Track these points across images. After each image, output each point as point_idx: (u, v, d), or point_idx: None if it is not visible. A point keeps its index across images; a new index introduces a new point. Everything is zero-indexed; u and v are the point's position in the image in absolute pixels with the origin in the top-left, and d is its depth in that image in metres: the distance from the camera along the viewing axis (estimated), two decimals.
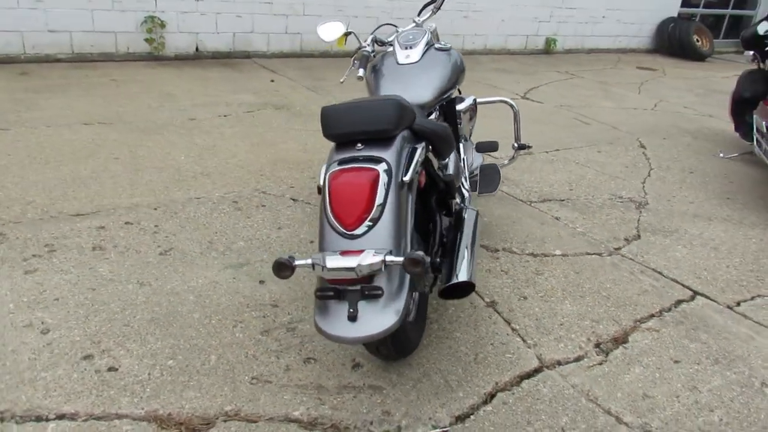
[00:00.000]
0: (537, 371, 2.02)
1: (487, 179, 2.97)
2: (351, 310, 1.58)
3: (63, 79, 5.25)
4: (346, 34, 2.65)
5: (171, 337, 2.06)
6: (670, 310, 2.45)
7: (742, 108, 4.58)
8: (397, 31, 2.77)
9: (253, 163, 3.74)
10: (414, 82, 2.48)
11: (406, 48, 2.61)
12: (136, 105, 4.70)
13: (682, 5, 10.18)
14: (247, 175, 3.55)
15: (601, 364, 2.09)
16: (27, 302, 2.18)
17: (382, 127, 1.75)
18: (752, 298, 2.58)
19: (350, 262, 1.53)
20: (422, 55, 2.58)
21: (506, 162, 3.26)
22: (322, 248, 1.67)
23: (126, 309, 2.20)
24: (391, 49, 2.63)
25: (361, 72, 2.47)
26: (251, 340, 2.09)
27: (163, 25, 6.11)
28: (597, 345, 2.19)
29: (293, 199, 3.27)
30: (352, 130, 1.76)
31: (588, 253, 2.89)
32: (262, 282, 2.46)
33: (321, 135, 1.84)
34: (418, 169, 1.81)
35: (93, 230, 2.77)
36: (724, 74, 8.46)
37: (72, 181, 3.23)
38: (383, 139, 1.77)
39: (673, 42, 9.60)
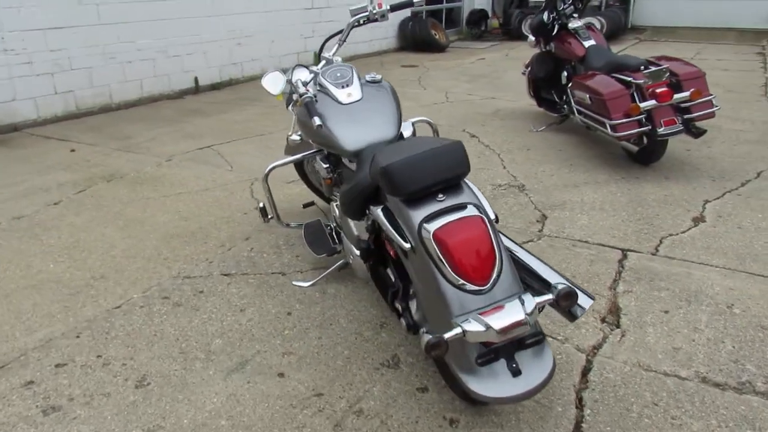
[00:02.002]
0: (590, 362, 2.22)
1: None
2: (514, 365, 1.54)
3: None
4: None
5: None
6: (621, 271, 2.87)
7: (539, 87, 5.42)
8: (312, 71, 2.67)
9: (141, 248, 3.22)
10: (373, 120, 2.45)
11: (342, 87, 2.54)
12: None
13: None
14: (149, 263, 3.05)
15: (623, 335, 2.38)
16: None
17: (461, 171, 1.73)
18: (661, 241, 3.16)
19: (516, 316, 1.50)
20: (362, 91, 2.54)
21: None
22: (448, 314, 1.58)
23: None
24: (314, 90, 2.52)
25: (317, 120, 2.32)
26: None
27: None
28: (603, 320, 2.48)
29: (226, 275, 2.93)
30: (432, 181, 1.70)
31: (524, 242, 3.19)
32: (281, 375, 2.20)
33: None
34: None
35: (24, 391, 2.13)
36: (470, 60, 9.79)
37: None
38: (455, 184, 1.75)
39: (416, 38, 10.75)
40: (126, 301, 2.71)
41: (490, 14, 13.41)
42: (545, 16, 5.05)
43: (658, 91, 3.94)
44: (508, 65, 9.15)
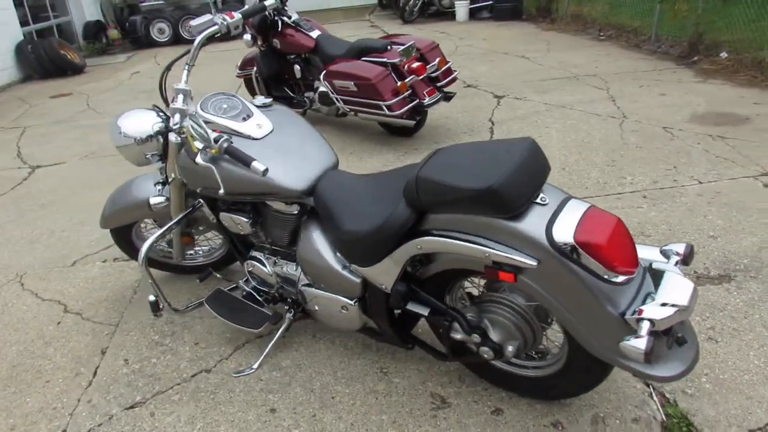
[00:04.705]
0: None
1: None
2: (679, 335, 1.54)
3: None
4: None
5: None
6: None
7: (272, 84, 5.25)
8: (178, 110, 2.09)
9: None
10: (305, 148, 2.10)
11: (244, 119, 2.07)
12: None
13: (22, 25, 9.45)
14: None
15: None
16: None
17: (549, 167, 1.64)
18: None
19: (687, 284, 1.52)
20: (270, 120, 2.12)
21: None
22: (614, 314, 1.48)
23: None
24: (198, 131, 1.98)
25: (260, 165, 1.83)
26: None
27: None
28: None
29: (131, 407, 2.12)
30: (536, 188, 1.58)
31: None
32: None
33: None
34: None
35: None
36: (126, 76, 8.68)
37: None
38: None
39: (43, 63, 8.94)
40: None
41: (107, 26, 12.10)
42: (269, 13, 4.89)
43: (414, 66, 4.31)
44: (177, 73, 8.49)
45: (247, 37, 5.16)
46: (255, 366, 2.25)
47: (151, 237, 2.24)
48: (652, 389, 2.00)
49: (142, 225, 2.82)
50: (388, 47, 4.37)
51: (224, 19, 2.30)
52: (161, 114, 2.30)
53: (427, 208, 1.68)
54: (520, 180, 1.53)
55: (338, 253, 1.96)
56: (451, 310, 1.85)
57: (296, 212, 2.10)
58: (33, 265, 3.26)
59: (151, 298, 2.22)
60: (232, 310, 2.33)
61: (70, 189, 4.37)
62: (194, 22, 2.31)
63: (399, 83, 4.20)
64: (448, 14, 11.37)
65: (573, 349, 1.74)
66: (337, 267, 1.97)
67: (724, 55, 6.15)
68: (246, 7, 2.41)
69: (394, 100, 4.19)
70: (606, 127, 4.56)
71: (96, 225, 3.67)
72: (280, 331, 2.31)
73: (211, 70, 8.38)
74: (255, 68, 5.24)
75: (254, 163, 1.83)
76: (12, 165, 5.04)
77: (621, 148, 4.14)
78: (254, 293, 2.37)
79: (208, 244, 2.92)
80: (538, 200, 1.58)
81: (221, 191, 1.91)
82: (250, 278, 2.37)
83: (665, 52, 6.93)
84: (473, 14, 11.05)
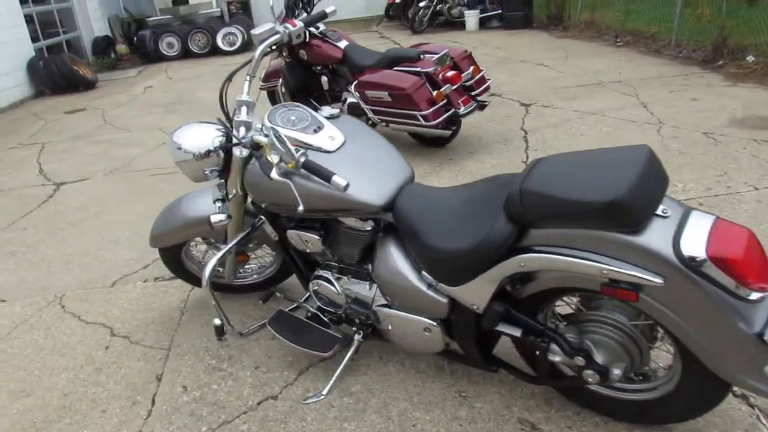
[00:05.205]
0: None
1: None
2: None
3: None
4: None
5: None
6: None
7: (298, 96, 5.16)
8: (245, 122, 1.99)
9: None
10: (382, 160, 1.99)
11: (315, 131, 1.97)
12: None
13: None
14: None
15: None
16: None
17: (667, 176, 1.53)
18: None
19: None
20: (341, 131, 2.03)
21: None
22: (750, 332, 1.38)
23: None
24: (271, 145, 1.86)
25: (341, 180, 1.73)
26: None
27: None
28: None
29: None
30: (657, 200, 1.48)
31: None
32: None
33: None
34: None
35: None
36: (139, 90, 8.59)
37: None
38: None
39: (55, 79, 8.85)
40: None
41: (115, 41, 12.05)
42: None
43: (448, 75, 4.22)
44: (191, 86, 8.46)
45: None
46: (324, 392, 2.13)
47: (213, 257, 2.14)
48: (758, 411, 1.88)
49: (192, 244, 2.71)
50: (421, 56, 4.28)
51: (286, 28, 2.22)
52: (221, 127, 2.19)
53: (531, 223, 1.57)
54: (643, 191, 1.43)
55: (423, 272, 1.85)
56: (549, 331, 1.74)
57: (370, 229, 1.99)
58: (71, 286, 3.14)
59: (217, 321, 2.10)
60: (297, 332, 2.21)
61: (99, 206, 4.26)
62: (256, 31, 2.22)
63: (435, 93, 4.11)
64: (457, 24, 11.33)
65: (687, 371, 1.62)
66: (422, 286, 1.86)
67: (751, 58, 6.07)
68: (303, 14, 2.32)
69: (430, 110, 4.09)
70: (644, 134, 4.47)
71: (131, 243, 3.57)
72: (349, 353, 2.19)
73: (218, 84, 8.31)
74: (281, 80, 5.15)
75: (335, 178, 1.72)
76: (35, 182, 4.93)
77: (664, 155, 4.03)
78: (320, 314, 2.26)
79: (257, 262, 2.81)
80: (659, 212, 1.48)
81: (300, 208, 1.80)
82: (314, 298, 2.25)
83: (687, 56, 6.86)
84: (483, 24, 11.00)
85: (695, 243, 1.40)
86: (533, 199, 1.52)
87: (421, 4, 11.11)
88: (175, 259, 2.65)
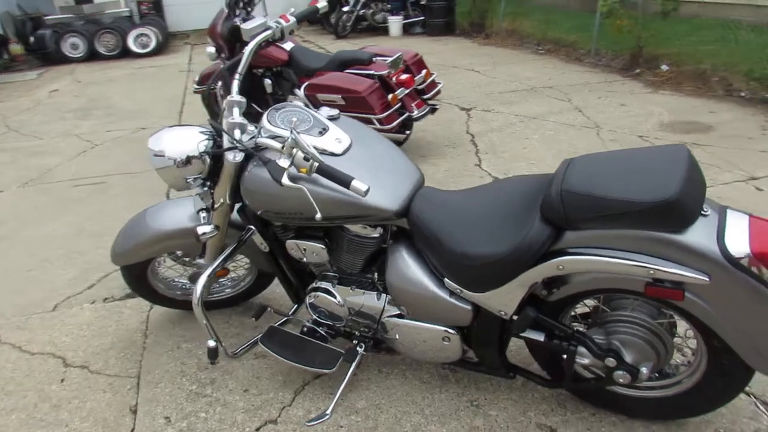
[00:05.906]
0: None
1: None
2: None
3: None
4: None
5: None
6: None
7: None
8: (240, 124, 1.84)
9: None
10: (396, 162, 1.89)
11: (320, 134, 1.84)
12: None
13: None
14: None
15: None
16: None
17: (704, 177, 1.54)
18: None
19: None
20: (346, 133, 1.90)
21: None
22: None
23: None
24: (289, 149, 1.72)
25: (362, 184, 1.60)
26: None
27: None
28: None
29: None
30: (701, 199, 1.48)
31: None
32: None
33: None
34: None
35: None
36: (43, 94, 7.84)
37: None
38: None
39: None
40: None
41: (8, 40, 11.00)
42: (239, 21, 4.53)
43: (402, 78, 4.17)
44: (104, 89, 7.87)
45: (211, 49, 4.82)
46: (329, 411, 1.98)
47: (203, 274, 1.94)
48: (755, 399, 1.96)
49: (159, 260, 2.45)
50: (373, 59, 4.20)
51: (278, 23, 2.06)
52: (205, 131, 1.99)
53: (571, 225, 1.53)
54: (692, 190, 1.43)
55: (446, 279, 1.76)
56: (578, 334, 1.71)
57: (378, 236, 1.88)
58: (4, 314, 2.76)
59: (211, 343, 1.91)
60: (294, 349, 2.05)
61: (19, 221, 3.81)
62: (246, 26, 2.05)
63: (390, 96, 4.04)
64: (380, 29, 11.36)
65: (712, 366, 1.65)
66: (443, 294, 1.77)
67: (665, 67, 6.51)
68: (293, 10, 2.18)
69: (385, 114, 4.02)
70: (586, 137, 4.65)
71: (67, 261, 3.21)
72: (351, 368, 2.05)
73: (134, 87, 7.82)
74: (219, 83, 4.87)
75: (354, 182, 1.59)
76: None
77: None
78: (316, 327, 2.11)
79: (231, 275, 2.60)
80: (703, 210, 1.49)
81: (318, 215, 1.65)
82: (311, 311, 2.10)
83: (607, 65, 7.26)
84: (406, 30, 11.10)
85: (739, 240, 1.42)
86: (577, 200, 1.48)
87: (345, 9, 11.04)
88: (141, 277, 2.39)
